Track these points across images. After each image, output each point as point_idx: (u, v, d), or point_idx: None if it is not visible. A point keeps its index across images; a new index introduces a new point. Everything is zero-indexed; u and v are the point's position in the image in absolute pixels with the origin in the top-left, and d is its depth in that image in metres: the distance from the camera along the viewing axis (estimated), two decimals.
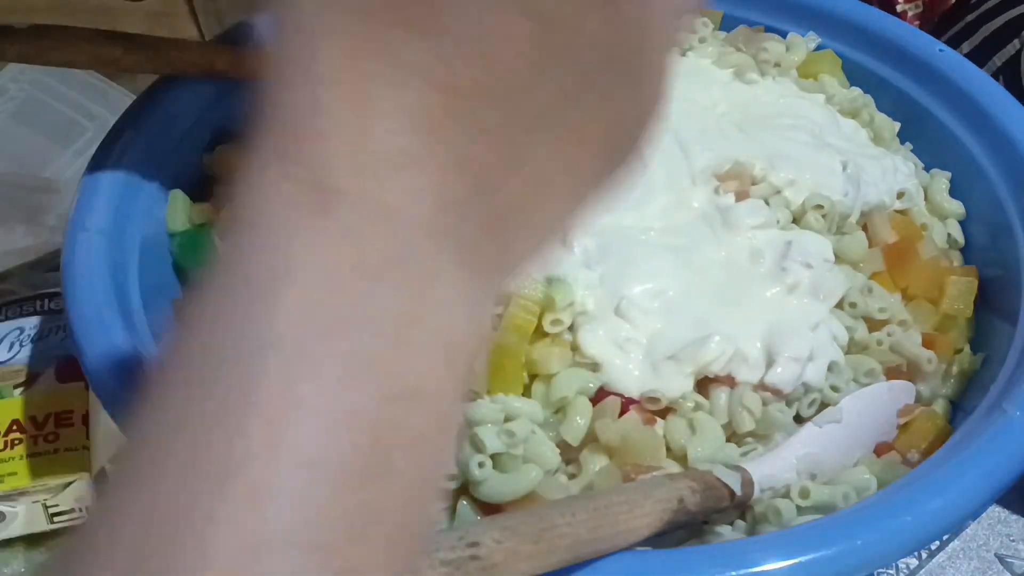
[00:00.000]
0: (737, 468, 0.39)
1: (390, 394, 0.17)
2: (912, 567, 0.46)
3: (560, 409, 0.40)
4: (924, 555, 0.46)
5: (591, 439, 0.40)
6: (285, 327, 0.17)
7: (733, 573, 0.33)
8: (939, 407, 0.45)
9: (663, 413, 0.41)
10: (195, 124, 0.53)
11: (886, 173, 0.50)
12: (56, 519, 0.49)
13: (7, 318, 0.55)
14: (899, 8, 0.67)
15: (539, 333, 0.42)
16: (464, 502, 0.39)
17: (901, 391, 0.44)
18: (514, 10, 0.18)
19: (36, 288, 0.56)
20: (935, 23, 0.66)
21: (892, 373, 0.44)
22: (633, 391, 0.41)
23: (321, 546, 0.16)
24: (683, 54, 0.56)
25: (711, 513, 0.38)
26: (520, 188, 0.20)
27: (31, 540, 0.49)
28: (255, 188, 0.18)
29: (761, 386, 0.41)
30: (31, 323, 0.55)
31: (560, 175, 0.20)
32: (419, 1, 0.18)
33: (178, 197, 0.51)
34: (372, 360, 0.17)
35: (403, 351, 0.18)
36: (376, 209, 0.18)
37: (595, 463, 0.40)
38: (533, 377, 0.41)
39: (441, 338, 0.18)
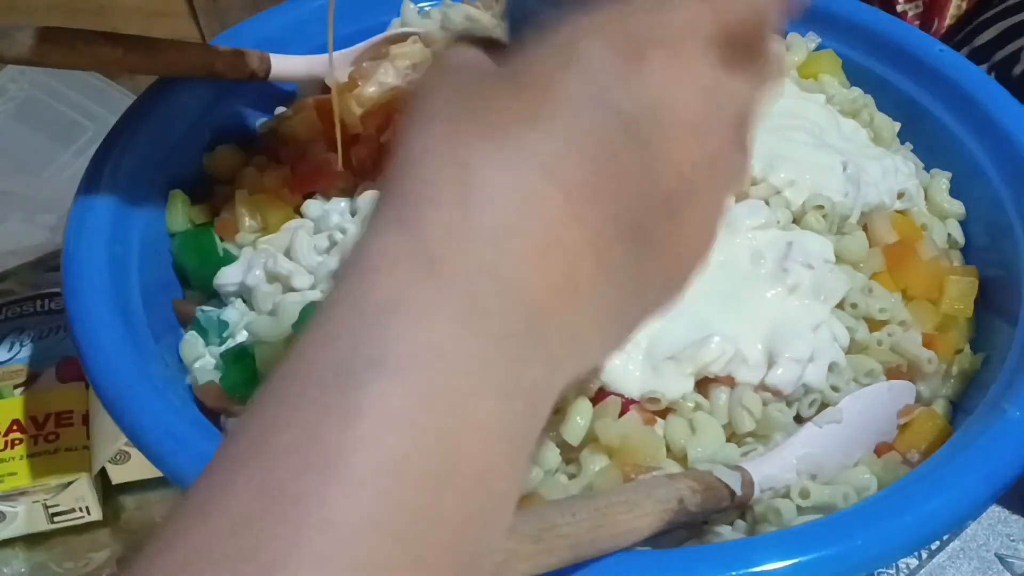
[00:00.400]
0: (737, 468, 0.39)
1: (459, 428, 0.19)
2: (912, 567, 0.46)
3: (560, 409, 0.40)
4: (924, 555, 0.46)
5: (591, 439, 0.40)
6: (386, 352, 0.19)
7: (733, 573, 0.33)
8: (939, 407, 0.45)
9: (663, 413, 0.41)
10: (195, 124, 0.53)
11: (886, 173, 0.50)
12: (56, 519, 0.49)
13: (7, 318, 0.55)
14: (899, 8, 0.67)
15: None
16: None
17: (901, 391, 0.44)
18: (611, 115, 0.22)
19: (36, 288, 0.56)
20: (956, 29, 0.66)
21: (892, 373, 0.44)
22: (633, 391, 0.41)
23: (396, 535, 0.18)
24: None
25: (711, 513, 0.38)
26: (603, 287, 0.23)
27: (31, 540, 0.49)
28: (373, 246, 0.21)
29: (761, 387, 0.41)
30: (31, 323, 0.55)
31: (634, 287, 0.24)
32: (535, 99, 0.22)
33: (178, 197, 0.51)
34: (448, 398, 0.19)
35: (475, 396, 0.20)
36: (472, 277, 0.20)
37: (595, 463, 0.40)
38: None
39: (506, 393, 0.21)
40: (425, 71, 0.25)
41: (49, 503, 0.48)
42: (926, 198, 0.52)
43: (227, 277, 0.47)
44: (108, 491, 0.50)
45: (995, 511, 0.48)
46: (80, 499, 0.48)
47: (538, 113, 0.22)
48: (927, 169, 0.54)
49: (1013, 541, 0.47)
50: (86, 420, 0.50)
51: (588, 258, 0.22)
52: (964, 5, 0.67)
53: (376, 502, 0.18)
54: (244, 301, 0.47)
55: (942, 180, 0.52)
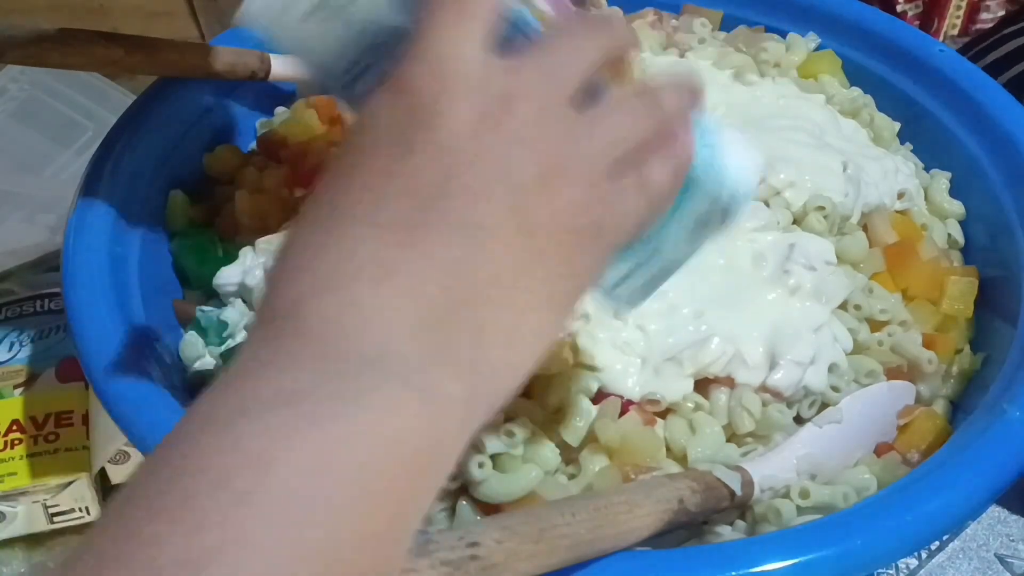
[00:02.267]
0: (737, 468, 0.39)
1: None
2: (912, 567, 0.46)
3: (560, 410, 0.40)
4: (924, 555, 0.46)
5: (591, 439, 0.40)
6: (258, 398, 0.22)
7: (733, 573, 0.33)
8: (939, 407, 0.45)
9: (663, 414, 0.41)
10: (195, 124, 0.53)
11: (887, 174, 0.50)
12: (56, 519, 0.49)
13: (7, 318, 0.55)
14: (899, 8, 0.68)
15: None
16: (464, 502, 0.39)
17: (901, 391, 0.44)
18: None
19: (36, 288, 0.57)
20: (967, 44, 0.66)
21: (892, 373, 0.44)
22: (633, 393, 0.41)
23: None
24: (682, 55, 0.56)
25: (711, 513, 0.38)
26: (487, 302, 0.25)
27: (31, 540, 0.49)
28: (256, 331, 0.26)
29: (762, 388, 0.41)
30: (31, 323, 0.55)
31: (530, 296, 0.26)
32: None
33: (178, 197, 0.51)
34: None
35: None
36: (344, 325, 0.24)
37: (595, 463, 0.40)
38: (533, 377, 0.41)
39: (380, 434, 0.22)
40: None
41: (49, 503, 0.48)
42: (926, 198, 0.52)
43: (227, 277, 0.47)
44: (108, 491, 0.50)
45: (995, 511, 0.48)
46: (80, 499, 0.48)
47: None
48: (927, 169, 0.54)
49: (1013, 541, 0.47)
50: (86, 420, 0.50)
51: (431, 287, 0.24)
52: (964, 6, 0.67)
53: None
54: (244, 301, 0.47)
55: (942, 180, 0.52)
